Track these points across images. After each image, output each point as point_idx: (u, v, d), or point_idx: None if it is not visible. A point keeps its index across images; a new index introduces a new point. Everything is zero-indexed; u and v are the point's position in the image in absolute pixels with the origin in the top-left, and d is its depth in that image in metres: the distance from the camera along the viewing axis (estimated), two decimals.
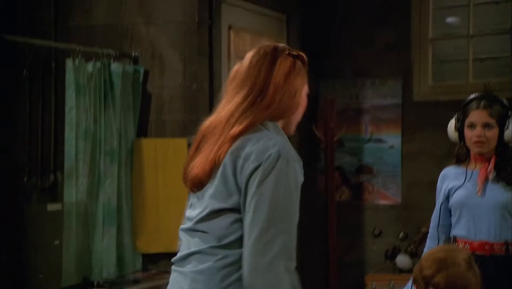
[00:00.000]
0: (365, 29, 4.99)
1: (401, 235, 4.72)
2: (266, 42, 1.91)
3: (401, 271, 4.65)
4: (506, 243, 2.74)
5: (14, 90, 4.02)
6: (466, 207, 2.81)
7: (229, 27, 4.22)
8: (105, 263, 3.67)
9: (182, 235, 1.87)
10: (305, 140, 5.04)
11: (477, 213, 2.78)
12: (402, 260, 4.62)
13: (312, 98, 5.16)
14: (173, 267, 1.89)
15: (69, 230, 3.50)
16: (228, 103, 1.80)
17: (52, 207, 3.40)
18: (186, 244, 1.83)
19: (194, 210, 1.83)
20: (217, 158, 1.73)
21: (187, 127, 3.89)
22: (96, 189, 3.67)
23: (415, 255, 4.66)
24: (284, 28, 4.88)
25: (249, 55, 1.86)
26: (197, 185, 1.79)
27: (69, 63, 3.58)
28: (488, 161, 2.81)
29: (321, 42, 5.11)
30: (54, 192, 3.99)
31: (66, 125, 3.58)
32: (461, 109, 2.88)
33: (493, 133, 2.79)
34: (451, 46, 5.01)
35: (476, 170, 2.83)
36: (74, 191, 3.55)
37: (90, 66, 3.67)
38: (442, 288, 1.92)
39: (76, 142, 3.57)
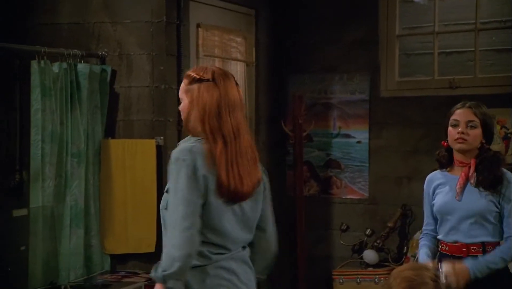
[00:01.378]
0: (334, 25, 5.00)
1: (368, 231, 4.78)
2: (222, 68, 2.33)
3: (367, 265, 4.72)
4: (483, 244, 2.78)
5: None
6: (446, 211, 2.86)
7: (197, 25, 4.19)
8: (72, 265, 3.66)
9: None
10: (274, 136, 5.06)
11: (455, 217, 2.82)
12: (369, 255, 4.69)
13: (281, 93, 5.19)
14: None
15: (35, 235, 3.47)
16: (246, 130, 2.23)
17: (17, 212, 3.36)
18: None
19: (243, 224, 2.23)
20: (260, 178, 2.25)
21: (155, 127, 3.87)
22: (63, 191, 3.64)
23: (381, 249, 4.73)
24: (252, 23, 4.86)
25: (233, 83, 2.24)
26: (245, 198, 2.20)
27: (34, 64, 3.51)
28: (469, 165, 2.83)
29: (290, 37, 5.11)
30: (20, 192, 3.94)
31: (32, 128, 3.53)
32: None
33: (475, 133, 2.80)
34: (417, 40, 5.05)
35: (457, 175, 2.86)
36: (40, 194, 3.50)
37: (56, 67, 3.61)
38: None
39: (42, 145, 3.52)
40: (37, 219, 3.48)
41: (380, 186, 4.91)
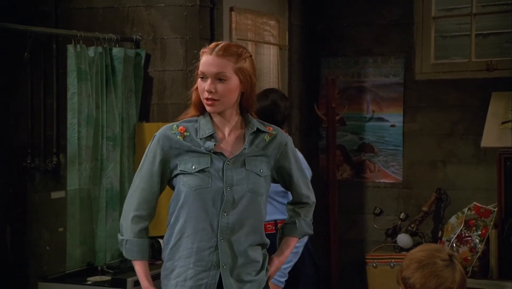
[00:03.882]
0: (368, 7, 4.96)
1: (402, 215, 4.76)
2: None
3: (401, 250, 4.70)
4: (275, 222, 3.04)
5: (16, 72, 4.01)
6: None
7: (231, 9, 4.18)
8: (108, 247, 3.71)
9: None
10: (307, 119, 5.05)
11: None
12: (403, 239, 4.67)
13: (314, 77, 5.16)
14: None
15: (73, 216, 3.53)
16: None
17: (56, 194, 3.42)
18: None
19: None
20: None
21: None
22: (99, 174, 3.69)
23: (415, 234, 4.71)
24: (286, 7, 4.84)
25: None
26: None
27: (70, 48, 3.56)
28: None
29: (323, 20, 5.08)
30: (57, 174, 4.01)
31: (68, 112, 3.58)
32: None
33: None
34: (454, 21, 4.97)
35: None
36: (77, 177, 3.56)
37: (91, 51, 3.65)
38: (418, 288, 1.95)
39: (78, 129, 3.57)
40: (75, 201, 3.54)
41: (414, 170, 4.87)
